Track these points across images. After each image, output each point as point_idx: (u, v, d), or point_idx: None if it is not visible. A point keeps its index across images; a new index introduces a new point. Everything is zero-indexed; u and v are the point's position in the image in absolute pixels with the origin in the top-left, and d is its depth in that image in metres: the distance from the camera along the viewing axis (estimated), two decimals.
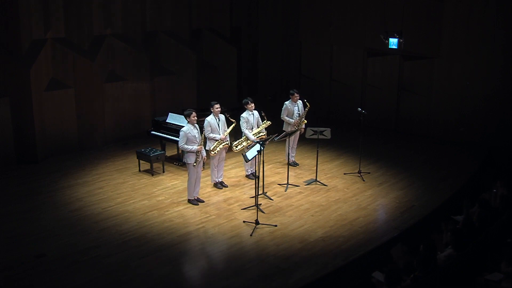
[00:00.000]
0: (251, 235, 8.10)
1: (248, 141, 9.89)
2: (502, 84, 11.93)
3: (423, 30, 12.89)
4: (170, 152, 11.37)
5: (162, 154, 10.73)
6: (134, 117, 12.79)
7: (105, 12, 12.15)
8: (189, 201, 9.23)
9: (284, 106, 10.63)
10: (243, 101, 10.00)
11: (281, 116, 10.67)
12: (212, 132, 9.43)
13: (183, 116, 10.72)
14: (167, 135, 10.99)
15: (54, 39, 11.37)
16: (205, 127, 9.40)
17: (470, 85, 12.38)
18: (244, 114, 9.89)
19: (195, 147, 8.87)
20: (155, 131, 11.26)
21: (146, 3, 12.98)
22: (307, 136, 10.36)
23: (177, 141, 10.54)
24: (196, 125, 8.98)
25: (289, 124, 10.65)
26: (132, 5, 12.65)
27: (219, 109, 9.49)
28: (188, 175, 9.10)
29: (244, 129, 9.87)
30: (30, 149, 11.11)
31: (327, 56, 14.76)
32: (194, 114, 8.91)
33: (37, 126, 11.03)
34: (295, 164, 11.02)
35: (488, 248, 6.58)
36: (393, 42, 13.07)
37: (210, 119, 9.44)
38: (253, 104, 9.90)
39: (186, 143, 8.84)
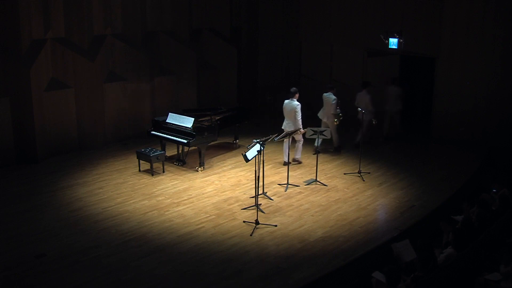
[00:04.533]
0: (251, 235, 8.11)
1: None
2: (502, 84, 11.92)
3: (423, 30, 12.88)
4: (170, 152, 11.37)
5: (162, 154, 10.73)
6: (134, 117, 12.79)
7: (105, 12, 12.15)
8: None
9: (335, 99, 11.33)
10: (295, 90, 10.75)
11: (335, 111, 11.29)
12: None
13: (183, 116, 10.84)
14: (167, 135, 10.98)
15: (54, 39, 11.36)
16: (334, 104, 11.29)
17: (470, 85, 12.37)
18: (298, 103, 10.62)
19: None
20: (155, 131, 11.25)
21: (146, 3, 12.98)
22: (307, 136, 10.37)
23: (177, 141, 10.70)
24: None
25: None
26: (132, 5, 12.64)
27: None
28: (298, 138, 10.75)
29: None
30: (30, 149, 11.12)
31: (327, 56, 14.76)
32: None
33: (37, 126, 11.03)
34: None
35: (488, 248, 6.59)
36: (393, 42, 13.04)
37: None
38: None
39: None
